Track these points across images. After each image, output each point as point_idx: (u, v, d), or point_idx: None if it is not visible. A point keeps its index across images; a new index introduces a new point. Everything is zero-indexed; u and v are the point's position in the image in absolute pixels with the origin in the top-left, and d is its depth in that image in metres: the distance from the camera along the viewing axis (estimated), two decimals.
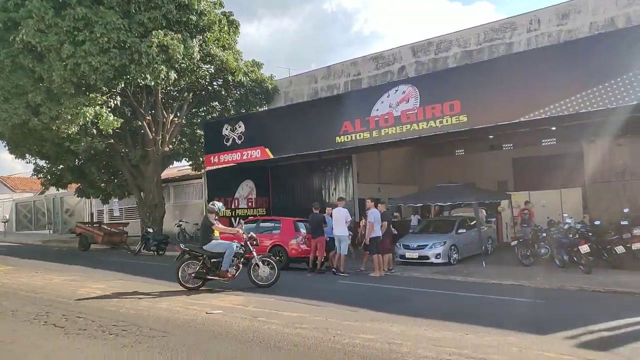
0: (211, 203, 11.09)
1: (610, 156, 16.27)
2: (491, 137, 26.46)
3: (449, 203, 16.37)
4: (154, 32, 17.31)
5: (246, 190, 23.17)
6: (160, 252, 19.62)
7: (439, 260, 14.58)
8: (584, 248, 12.20)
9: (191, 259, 10.38)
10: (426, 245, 14.86)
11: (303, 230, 14.17)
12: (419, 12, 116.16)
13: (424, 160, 29.44)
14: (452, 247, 15.01)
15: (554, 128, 17.83)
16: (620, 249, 12.46)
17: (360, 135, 17.23)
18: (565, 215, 16.04)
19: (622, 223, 13.16)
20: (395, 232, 14.47)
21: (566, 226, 13.56)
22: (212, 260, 10.20)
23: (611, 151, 16.24)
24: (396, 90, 16.54)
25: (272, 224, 15.40)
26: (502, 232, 20.16)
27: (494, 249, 17.08)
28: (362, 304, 8.66)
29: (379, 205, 13.60)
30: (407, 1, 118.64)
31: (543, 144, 23.59)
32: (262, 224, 15.75)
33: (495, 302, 9.32)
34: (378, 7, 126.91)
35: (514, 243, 14.35)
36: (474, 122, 15.00)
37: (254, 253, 10.72)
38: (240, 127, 20.61)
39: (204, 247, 10.32)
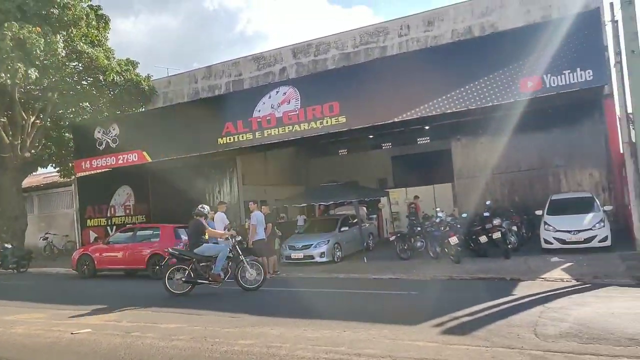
0: (200, 206, 10.97)
1: (474, 153, 17.87)
2: (371, 137, 28.06)
3: (331, 202, 16.83)
4: (6, 24, 15.59)
5: (123, 197, 21.84)
6: (22, 270, 17.70)
7: (324, 259, 14.92)
8: (453, 240, 13.22)
9: (178, 263, 10.25)
10: (311, 244, 15.12)
11: (185, 237, 13.65)
12: (300, 13, 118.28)
13: (310, 160, 29.90)
14: (336, 245, 15.44)
15: (427, 127, 19.20)
16: (483, 239, 13.70)
17: (243, 136, 17.08)
18: (438, 209, 17.32)
19: (484, 215, 14.47)
20: (280, 234, 14.53)
21: (438, 220, 14.61)
22: (201, 264, 10.13)
23: (475, 149, 17.84)
24: (277, 92, 16.64)
25: (151, 232, 14.65)
26: (382, 228, 21.21)
27: (375, 245, 17.87)
28: (244, 309, 8.55)
29: (262, 207, 13.56)
30: (289, 2, 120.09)
31: (418, 142, 25.16)
32: (139, 232, 14.93)
33: (374, 297, 9.73)
34: (260, 7, 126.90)
35: (392, 238, 15.14)
36: (352, 122, 15.61)
37: (242, 256, 10.66)
38: (114, 129, 19.36)
39: (195, 251, 10.25)
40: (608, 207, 14.02)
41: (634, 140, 12.71)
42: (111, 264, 14.54)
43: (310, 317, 7.59)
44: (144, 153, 18.72)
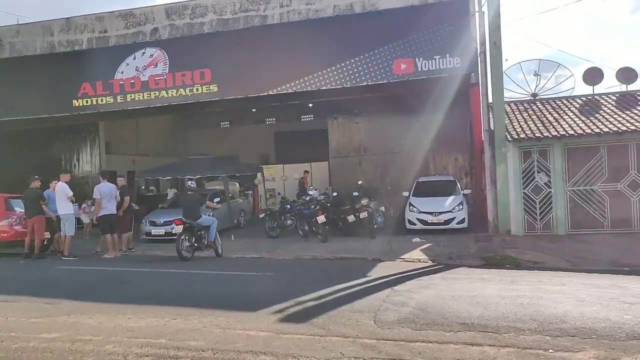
0: (190, 182, 12.32)
1: (349, 133, 17.87)
2: (254, 110, 27.17)
3: (198, 176, 15.80)
4: None
5: None
6: None
7: None
8: (321, 218, 13.00)
9: (185, 232, 11.00)
10: (172, 221, 14.03)
11: (19, 209, 11.86)
12: None
13: (187, 131, 28.26)
14: None
15: (310, 105, 18.83)
16: (351, 218, 13.65)
17: (102, 99, 15.38)
18: (312, 187, 17.12)
19: (354, 194, 14.46)
20: (137, 208, 13.27)
21: (307, 197, 14.32)
22: (199, 233, 11.18)
23: (350, 129, 17.84)
24: (143, 53, 15.16)
25: None
26: (258, 205, 20.62)
27: (246, 222, 17.23)
28: (68, 294, 7.43)
29: (118, 179, 12.21)
30: None
31: (302, 119, 24.77)
32: None
33: (224, 279, 9.06)
34: None
35: (261, 215, 14.59)
36: (225, 92, 14.69)
37: None
38: None
39: (197, 222, 11.16)
40: (467, 191, 14.72)
41: (492, 128, 13.34)
42: None
43: (142, 302, 6.74)
44: None
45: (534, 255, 10.74)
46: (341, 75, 13.94)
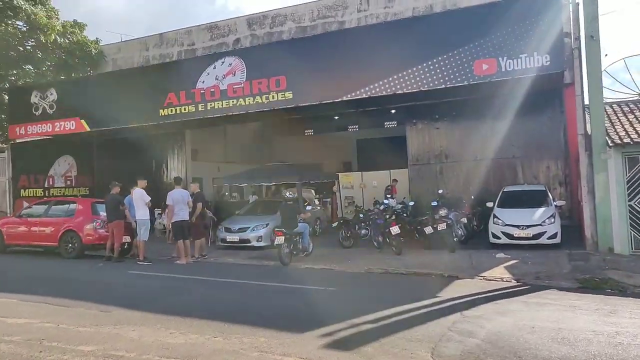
0: (288, 192, 12.74)
1: (429, 139, 16.72)
2: (336, 117, 26.77)
3: (273, 183, 15.56)
4: None
5: (64, 167, 20.22)
6: None
7: (261, 244, 13.68)
8: (394, 229, 12.10)
9: (285, 241, 11.46)
10: (248, 227, 13.85)
11: (104, 214, 12.25)
12: None
13: (274, 139, 28.54)
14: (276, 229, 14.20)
15: (393, 111, 18.01)
16: (429, 230, 12.61)
17: (185, 108, 15.66)
18: (389, 196, 16.24)
19: (432, 204, 13.38)
20: (211, 215, 13.25)
21: (382, 207, 13.47)
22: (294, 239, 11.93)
23: (430, 134, 16.70)
24: (222, 62, 15.21)
25: (67, 206, 13.15)
26: (336, 212, 20.03)
27: (322, 230, 16.69)
28: (124, 302, 7.26)
29: (191, 185, 12.23)
30: None
31: (385, 126, 23.93)
32: (55, 206, 13.42)
33: (283, 293, 8.48)
34: None
35: (334, 224, 13.96)
36: (299, 99, 14.30)
37: None
38: (52, 94, 17.71)
39: (295, 231, 11.79)
40: (560, 202, 13.04)
41: (589, 132, 11.68)
42: (21, 240, 13.05)
43: (192, 314, 6.36)
44: (82, 121, 17.14)
45: None
46: (418, 79, 12.98)
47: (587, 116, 12.15)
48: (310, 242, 12.21)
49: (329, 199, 19.72)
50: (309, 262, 11.66)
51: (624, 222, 11.18)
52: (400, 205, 14.96)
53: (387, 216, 13.29)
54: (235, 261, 12.04)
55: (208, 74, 15.33)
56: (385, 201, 13.97)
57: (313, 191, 17.50)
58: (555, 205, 12.70)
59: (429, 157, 16.75)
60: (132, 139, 19.51)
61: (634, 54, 13.62)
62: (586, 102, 12.26)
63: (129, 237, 12.10)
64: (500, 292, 8.27)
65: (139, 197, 11.44)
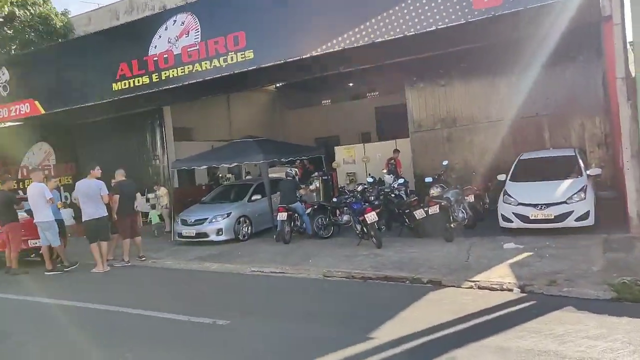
0: (289, 169, 12.70)
1: (433, 100, 13.65)
2: (351, 84, 23.95)
3: (235, 164, 13.06)
4: None
5: (40, 155, 18.54)
6: None
7: (222, 237, 11.40)
8: (370, 216, 9.44)
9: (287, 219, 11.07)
10: (205, 219, 11.54)
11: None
12: None
13: (286, 112, 26.19)
14: (243, 219, 11.84)
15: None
16: (419, 214, 9.87)
17: (138, 80, 13.30)
18: (384, 171, 13.49)
19: (426, 180, 10.59)
20: (137, 209, 10.99)
21: (360, 187, 10.80)
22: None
23: (434, 95, 13.62)
24: (174, 21, 12.69)
25: None
26: (337, 191, 17.41)
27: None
28: None
29: (117, 172, 9.94)
30: None
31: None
32: None
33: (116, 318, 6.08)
34: None
35: (308, 211, 11.37)
36: (262, 59, 11.63)
37: None
38: (4, 74, 15.77)
39: (292, 205, 11.29)
40: (596, 170, 9.88)
41: (632, 75, 8.47)
42: None
43: None
44: (37, 103, 15.13)
45: None
46: (401, 21, 10.02)
47: (631, 55, 8.92)
48: (308, 224, 11.37)
49: (328, 177, 17.09)
50: (264, 262, 9.24)
51: None
52: (399, 182, 12.20)
53: (372, 198, 10.64)
54: (174, 264, 9.77)
55: (160, 37, 12.86)
56: (369, 179, 11.24)
57: (295, 170, 14.76)
58: (589, 175, 9.59)
59: (434, 122, 13.71)
60: (106, 120, 17.51)
61: None
62: (629, 38, 9.00)
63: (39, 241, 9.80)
64: (486, 316, 5.58)
65: (36, 193, 9.16)
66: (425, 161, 13.68)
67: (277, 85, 24.89)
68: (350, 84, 23.53)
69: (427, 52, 12.16)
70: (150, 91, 13.24)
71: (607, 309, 5.57)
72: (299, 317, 6.13)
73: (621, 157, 9.13)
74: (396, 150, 14.44)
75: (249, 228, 11.91)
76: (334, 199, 11.22)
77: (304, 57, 11.14)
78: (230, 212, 11.57)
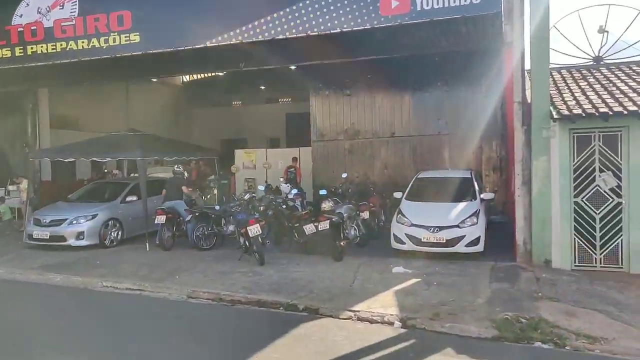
0: (177, 167, 11.12)
1: (337, 109, 13.00)
2: (262, 87, 22.97)
3: (108, 159, 11.50)
4: None
5: None
6: None
7: (83, 242, 9.81)
8: (253, 229, 8.41)
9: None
10: (64, 220, 9.87)
11: None
12: None
13: (193, 109, 24.52)
14: (112, 221, 10.30)
15: (294, 67, 14.07)
16: (310, 229, 8.99)
17: None
18: (281, 179, 12.56)
19: (320, 193, 9.80)
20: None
21: (247, 196, 9.77)
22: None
23: (338, 103, 12.98)
24: None
25: None
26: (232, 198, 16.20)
27: None
28: None
29: None
30: None
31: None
32: None
33: None
34: None
35: (188, 218, 10.08)
36: (149, 44, 10.23)
37: None
38: None
39: (175, 202, 10.35)
40: (489, 195, 9.65)
41: (527, 100, 8.27)
42: None
43: None
44: None
45: (589, 320, 5.78)
46: (305, 19, 9.19)
47: (528, 82, 8.76)
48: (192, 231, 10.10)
49: (226, 181, 15.87)
50: (127, 276, 7.87)
51: (567, 225, 7.96)
52: (294, 192, 11.30)
53: (262, 208, 9.65)
54: (6, 273, 8.09)
55: (27, 4, 11.00)
56: (260, 187, 10.27)
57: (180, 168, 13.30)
58: (482, 199, 9.32)
59: (337, 132, 13.05)
60: None
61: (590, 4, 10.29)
62: (527, 66, 8.85)
63: None
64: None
65: None
66: (325, 172, 12.98)
67: (184, 80, 23.54)
68: (262, 87, 22.63)
69: (333, 58, 11.46)
70: (11, 66, 11.26)
71: (486, 351, 5.03)
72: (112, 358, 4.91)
73: (513, 183, 8.93)
74: (295, 158, 13.58)
75: (119, 233, 10.40)
76: (217, 207, 10.03)
77: (197, 47, 9.94)
78: (97, 214, 10.01)
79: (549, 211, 7.96)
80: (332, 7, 9.04)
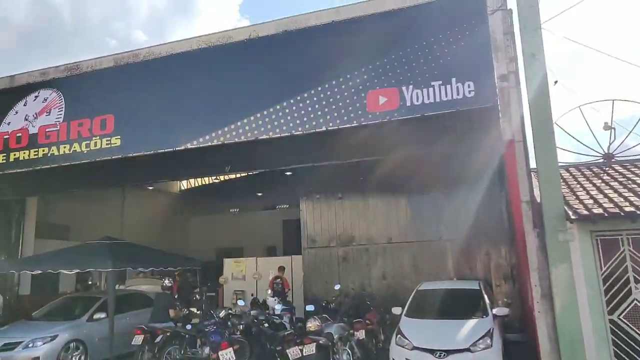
0: (167, 280, 10.02)
1: (329, 214, 11.87)
2: (259, 194, 22.36)
3: (75, 270, 10.19)
4: None
5: None
6: None
7: None
8: (225, 355, 6.85)
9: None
10: (18, 343, 8.35)
11: None
12: None
13: (189, 217, 23.68)
14: (74, 343, 8.74)
15: (289, 173, 13.26)
16: (294, 353, 7.35)
17: None
18: (268, 291, 11.10)
19: (307, 308, 8.31)
20: None
21: (222, 313, 8.29)
22: None
23: (331, 208, 11.88)
24: (36, 97, 10.59)
25: None
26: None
27: None
28: None
29: None
30: None
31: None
32: None
33: None
34: None
35: (157, 339, 8.44)
36: (130, 147, 9.52)
37: None
38: None
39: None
40: (503, 310, 8.04)
41: (537, 200, 7.10)
42: None
43: None
44: None
45: None
46: (289, 118, 8.47)
47: (535, 181, 7.69)
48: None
49: (214, 294, 14.35)
50: None
51: (605, 347, 6.28)
52: (281, 308, 9.78)
53: (241, 327, 8.12)
54: None
55: (17, 112, 10.58)
56: (240, 302, 8.85)
57: (167, 280, 11.90)
58: (495, 315, 7.73)
59: (329, 239, 11.79)
60: None
61: (594, 100, 9.66)
62: (532, 164, 7.85)
63: None
64: None
65: None
66: (318, 282, 11.51)
67: (182, 187, 23.04)
68: (259, 194, 21.91)
69: (323, 160, 10.61)
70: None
71: None
72: None
73: (530, 295, 7.43)
74: (281, 268, 12.14)
75: (82, 357, 8.75)
76: (188, 326, 8.47)
77: (177, 149, 9.15)
78: (57, 335, 8.49)
79: (579, 332, 6.39)
80: (317, 106, 8.36)
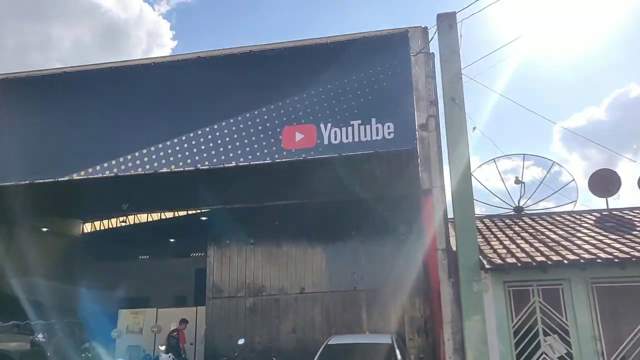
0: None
1: (239, 261, 10.83)
2: (171, 240, 20.75)
3: None
4: None
5: None
6: None
7: None
8: None
9: None
10: None
11: None
12: None
13: (93, 263, 21.16)
14: None
15: (204, 218, 12.15)
16: None
17: None
18: (162, 347, 9.69)
19: None
20: None
21: None
22: None
23: (241, 254, 10.84)
24: None
25: None
26: None
27: None
28: None
29: None
30: None
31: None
32: None
33: None
34: None
35: None
36: (2, 175, 8.05)
37: None
38: None
39: None
40: None
41: (452, 248, 6.72)
42: None
43: None
44: None
45: None
46: (195, 151, 7.60)
47: (452, 230, 7.38)
48: None
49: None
50: None
51: None
52: None
53: None
54: None
55: None
56: (163, 356, 7.47)
57: (40, 335, 10.11)
58: None
59: (237, 288, 10.69)
60: None
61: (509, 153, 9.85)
62: (450, 214, 7.56)
63: None
64: None
65: None
66: (221, 336, 10.29)
67: (84, 230, 20.79)
68: (171, 240, 20.28)
69: (235, 203, 9.77)
70: None
71: None
72: None
73: (442, 350, 6.88)
74: (183, 320, 10.75)
75: None
76: None
77: (59, 179, 7.86)
78: None
79: None
80: (227, 139, 7.60)
